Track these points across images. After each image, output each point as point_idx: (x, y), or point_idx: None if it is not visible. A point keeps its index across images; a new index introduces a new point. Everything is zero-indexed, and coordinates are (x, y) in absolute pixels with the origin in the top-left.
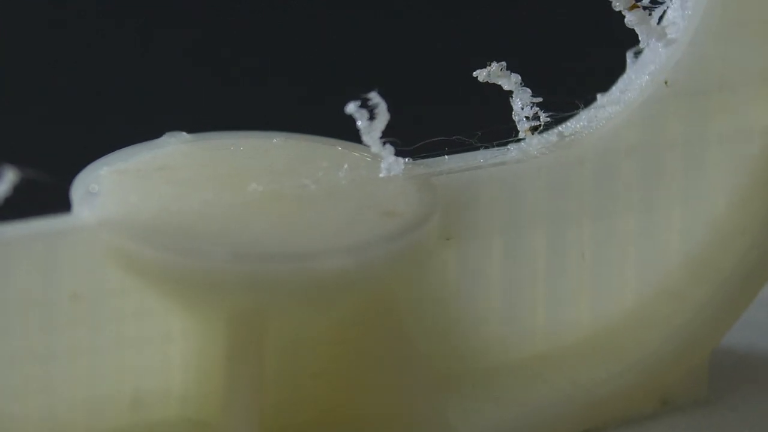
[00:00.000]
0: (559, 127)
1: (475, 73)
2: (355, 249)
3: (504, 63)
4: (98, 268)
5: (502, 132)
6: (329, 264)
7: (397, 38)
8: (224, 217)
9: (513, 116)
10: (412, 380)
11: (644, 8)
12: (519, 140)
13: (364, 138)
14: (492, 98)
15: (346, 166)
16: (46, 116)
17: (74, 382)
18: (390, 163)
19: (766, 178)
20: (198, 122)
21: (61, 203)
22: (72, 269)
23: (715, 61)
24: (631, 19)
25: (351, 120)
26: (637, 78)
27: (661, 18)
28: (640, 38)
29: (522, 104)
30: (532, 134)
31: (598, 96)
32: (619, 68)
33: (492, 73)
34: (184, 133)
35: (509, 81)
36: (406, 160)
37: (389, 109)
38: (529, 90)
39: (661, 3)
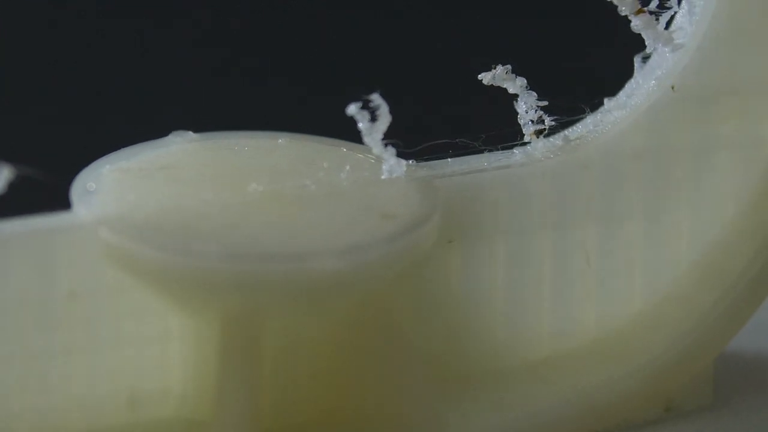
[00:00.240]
0: (565, 131)
1: (480, 76)
2: (350, 250)
3: (509, 66)
4: (96, 267)
5: (507, 135)
6: (323, 265)
7: (406, 39)
8: (222, 217)
9: (518, 119)
10: (411, 382)
11: (651, 13)
12: (524, 144)
13: (366, 140)
14: (497, 101)
15: (348, 167)
16: (46, 116)
17: (71, 380)
18: (392, 165)
19: None
20: (198, 122)
21: (61, 203)
22: (69, 267)
23: (723, 66)
24: (637, 23)
25: (351, 120)
26: (645, 82)
27: (669, 23)
28: (646, 43)
29: (527, 108)
30: (537, 138)
31: (605, 100)
32: (626, 72)
33: (497, 76)
34: (191, 133)
35: (514, 84)
36: (409, 162)
37: (392, 111)
38: (534, 93)
39: (669, 8)
